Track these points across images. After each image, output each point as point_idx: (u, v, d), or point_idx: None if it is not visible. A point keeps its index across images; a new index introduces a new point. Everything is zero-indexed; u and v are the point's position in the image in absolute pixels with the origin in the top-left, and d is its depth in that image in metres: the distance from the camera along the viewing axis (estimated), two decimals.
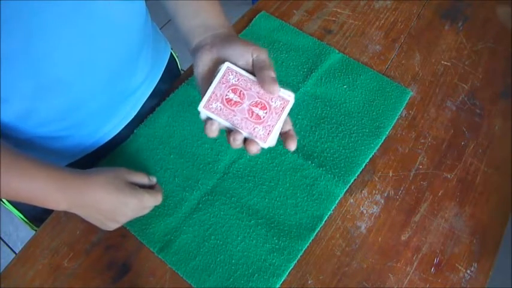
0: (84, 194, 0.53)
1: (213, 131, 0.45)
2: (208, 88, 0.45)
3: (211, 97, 0.45)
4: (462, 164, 0.69)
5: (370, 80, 0.76)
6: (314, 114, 0.72)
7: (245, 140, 0.45)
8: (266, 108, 0.44)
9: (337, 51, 0.79)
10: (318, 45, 0.80)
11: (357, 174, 0.67)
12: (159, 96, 0.75)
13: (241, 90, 0.45)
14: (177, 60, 0.86)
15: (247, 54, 0.47)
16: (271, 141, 0.44)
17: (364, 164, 0.68)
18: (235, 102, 0.44)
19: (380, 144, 0.70)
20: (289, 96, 0.45)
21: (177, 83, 0.76)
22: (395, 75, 0.78)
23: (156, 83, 0.74)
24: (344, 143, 0.69)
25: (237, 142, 0.44)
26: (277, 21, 0.83)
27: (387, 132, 0.71)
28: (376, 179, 0.67)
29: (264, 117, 0.44)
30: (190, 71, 0.78)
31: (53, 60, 0.50)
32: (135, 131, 0.71)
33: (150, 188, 0.60)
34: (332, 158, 0.68)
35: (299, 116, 0.72)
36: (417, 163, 0.69)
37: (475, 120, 0.73)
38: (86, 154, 0.68)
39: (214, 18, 0.54)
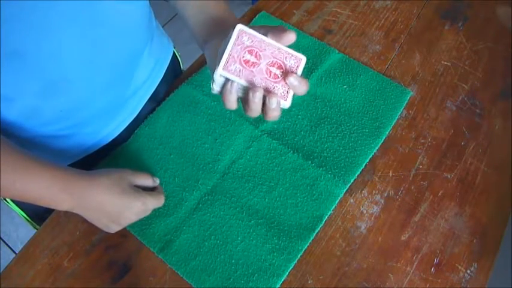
0: (88, 195, 0.53)
1: (232, 102, 0.45)
2: (223, 51, 0.44)
3: (229, 59, 0.44)
4: (462, 164, 0.69)
5: (370, 80, 0.76)
6: (314, 114, 0.72)
7: (263, 104, 0.45)
8: (282, 68, 0.45)
9: (337, 51, 0.79)
10: (318, 45, 0.80)
11: (357, 174, 0.67)
12: (161, 96, 0.75)
13: (256, 51, 0.44)
14: (179, 59, 0.86)
15: None
16: (290, 99, 0.45)
17: (364, 164, 0.68)
18: (253, 63, 0.44)
19: (380, 144, 0.70)
20: (301, 55, 0.45)
21: (177, 83, 0.76)
22: (395, 75, 0.78)
23: (159, 82, 0.74)
24: (344, 143, 0.69)
25: (256, 99, 0.43)
26: (277, 21, 0.83)
27: (387, 132, 0.71)
28: (376, 179, 0.67)
29: (281, 75, 0.44)
30: (190, 71, 0.78)
31: (58, 60, 0.51)
32: (135, 131, 0.71)
33: (152, 189, 0.60)
34: (332, 158, 0.68)
35: (299, 116, 0.72)
36: (417, 163, 0.69)
37: (475, 120, 0.73)
38: (88, 155, 0.68)
39: (221, 13, 0.55)
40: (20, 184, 0.49)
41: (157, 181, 0.61)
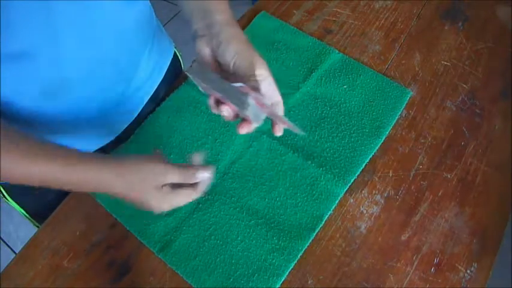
0: (108, 184, 0.49)
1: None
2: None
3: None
4: (462, 164, 0.69)
5: (370, 80, 0.76)
6: (314, 114, 0.72)
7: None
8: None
9: (337, 51, 0.79)
10: (318, 45, 0.80)
11: (356, 174, 0.67)
12: (161, 96, 0.75)
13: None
14: (180, 59, 0.86)
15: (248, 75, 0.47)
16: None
17: (364, 164, 0.68)
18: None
19: (380, 144, 0.70)
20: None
21: (177, 83, 0.76)
22: (395, 75, 0.78)
23: (159, 82, 0.74)
24: (344, 143, 0.69)
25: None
26: (277, 21, 0.83)
27: (387, 132, 0.71)
28: (376, 179, 0.67)
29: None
30: None
31: (58, 62, 0.51)
32: (135, 131, 0.71)
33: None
34: (332, 158, 0.68)
35: (299, 116, 0.72)
36: (417, 163, 0.69)
37: (475, 120, 0.73)
38: None
39: (214, 3, 0.52)
40: (38, 169, 0.46)
41: (205, 174, 0.51)
